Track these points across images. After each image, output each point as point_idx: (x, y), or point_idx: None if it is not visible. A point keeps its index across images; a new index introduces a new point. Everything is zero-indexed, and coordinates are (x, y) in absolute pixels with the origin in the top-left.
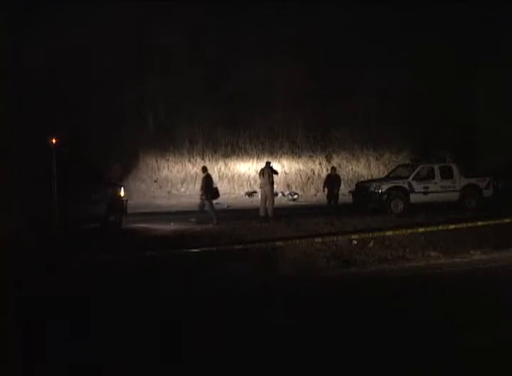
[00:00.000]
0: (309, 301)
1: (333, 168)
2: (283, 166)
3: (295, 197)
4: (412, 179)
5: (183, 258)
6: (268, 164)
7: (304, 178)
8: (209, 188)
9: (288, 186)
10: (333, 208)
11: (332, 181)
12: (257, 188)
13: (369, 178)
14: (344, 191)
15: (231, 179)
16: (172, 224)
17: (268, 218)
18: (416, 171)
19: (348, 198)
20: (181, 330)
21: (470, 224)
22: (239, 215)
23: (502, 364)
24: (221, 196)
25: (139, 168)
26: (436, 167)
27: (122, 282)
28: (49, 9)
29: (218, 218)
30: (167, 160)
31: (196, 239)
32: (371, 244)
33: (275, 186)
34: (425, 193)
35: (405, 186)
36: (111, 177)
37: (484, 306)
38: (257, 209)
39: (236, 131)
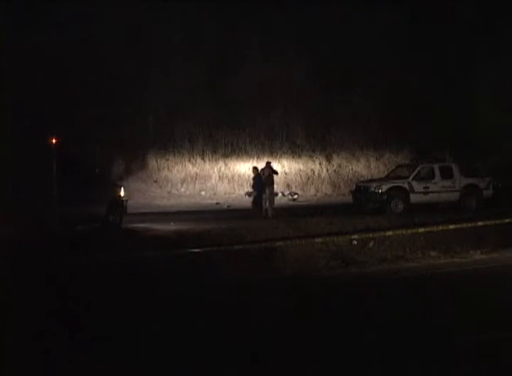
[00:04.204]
0: (309, 302)
1: (255, 168)
2: (283, 166)
3: (295, 197)
4: (412, 179)
5: (183, 258)
6: (268, 164)
7: (304, 178)
8: None
9: (288, 186)
10: (257, 212)
11: (258, 182)
12: None
13: (369, 178)
14: (344, 191)
15: (231, 179)
16: (172, 224)
17: (269, 218)
18: (416, 171)
19: (348, 198)
20: (181, 332)
21: (470, 224)
22: (239, 215)
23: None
24: (221, 196)
25: (139, 168)
26: (436, 167)
27: (122, 282)
28: (49, 8)
29: None
30: (167, 160)
31: (196, 239)
32: (371, 244)
33: (275, 186)
34: (425, 193)
35: (405, 186)
36: (113, 172)
37: (484, 306)
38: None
39: (236, 131)
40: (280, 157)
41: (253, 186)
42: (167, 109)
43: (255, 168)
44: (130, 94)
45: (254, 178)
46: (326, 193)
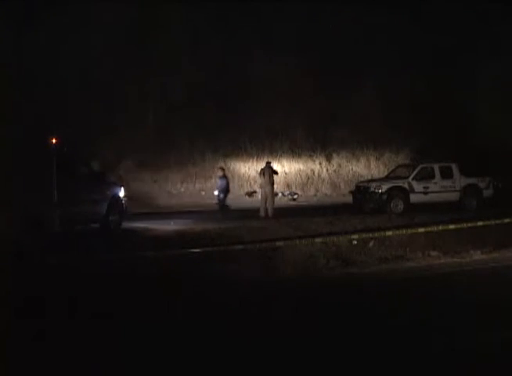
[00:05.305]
0: (308, 301)
1: (221, 169)
2: (283, 166)
3: (295, 196)
4: (412, 179)
5: (183, 258)
6: (268, 164)
7: (304, 178)
8: None
9: (288, 186)
10: (220, 215)
11: (223, 183)
12: (257, 188)
13: (369, 178)
14: (344, 191)
15: (231, 179)
16: (172, 224)
17: (269, 218)
18: (416, 171)
19: (348, 198)
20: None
21: (470, 224)
22: (239, 215)
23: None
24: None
25: (139, 168)
26: (436, 167)
27: (121, 282)
28: (49, 7)
29: None
30: (167, 160)
31: (196, 239)
32: (371, 244)
33: (275, 186)
34: (425, 193)
35: (405, 186)
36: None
37: (485, 306)
38: (257, 209)
39: (236, 131)
40: (280, 157)
41: (218, 187)
42: (167, 109)
43: (221, 169)
44: (130, 94)
45: (219, 178)
46: (326, 193)
